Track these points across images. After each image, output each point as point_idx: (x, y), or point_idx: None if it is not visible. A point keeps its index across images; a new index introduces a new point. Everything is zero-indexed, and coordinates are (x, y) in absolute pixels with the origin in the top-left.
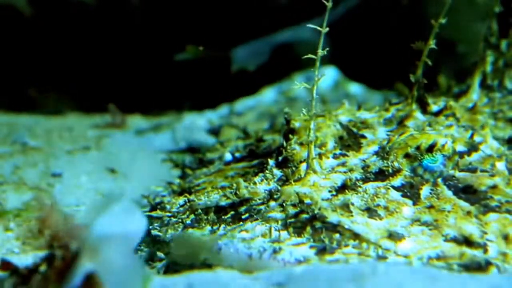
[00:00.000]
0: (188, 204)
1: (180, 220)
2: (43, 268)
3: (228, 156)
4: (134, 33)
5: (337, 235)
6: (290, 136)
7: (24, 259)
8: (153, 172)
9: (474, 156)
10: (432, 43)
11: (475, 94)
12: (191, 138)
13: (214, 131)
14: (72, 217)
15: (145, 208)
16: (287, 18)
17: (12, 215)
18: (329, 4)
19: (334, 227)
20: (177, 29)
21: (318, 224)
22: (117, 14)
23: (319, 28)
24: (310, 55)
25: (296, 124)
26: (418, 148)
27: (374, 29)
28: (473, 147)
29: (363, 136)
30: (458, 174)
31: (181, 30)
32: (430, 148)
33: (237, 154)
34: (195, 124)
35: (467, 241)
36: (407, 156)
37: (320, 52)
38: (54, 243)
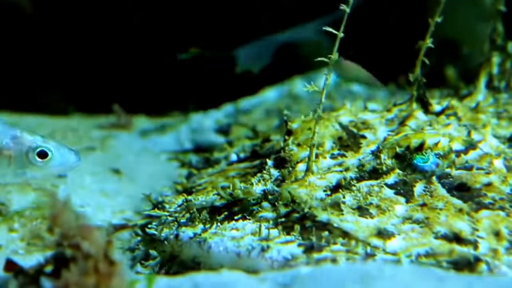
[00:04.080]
0: (185, 204)
1: (175, 219)
2: (49, 268)
3: (233, 157)
4: (138, 33)
5: (326, 233)
6: (286, 137)
7: (29, 259)
8: (158, 172)
9: (472, 154)
10: (428, 42)
11: (481, 95)
12: (199, 139)
13: (223, 130)
14: (84, 216)
15: (148, 207)
16: (290, 17)
17: (17, 216)
18: (347, 9)
19: (324, 226)
20: (181, 29)
21: (308, 223)
22: (121, 14)
23: (335, 32)
24: (322, 58)
25: (293, 125)
26: (407, 148)
27: (376, 29)
28: (471, 146)
29: (363, 137)
30: (454, 172)
31: (185, 30)
32: (420, 148)
33: (242, 155)
34: (203, 125)
35: (457, 238)
36: (396, 156)
37: (334, 57)
38: (64, 241)
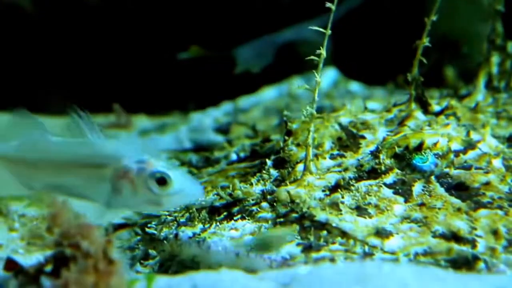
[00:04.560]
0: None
1: (174, 219)
2: (48, 267)
3: (233, 156)
4: (138, 33)
5: (324, 233)
6: (286, 137)
7: (29, 259)
8: None
9: (470, 154)
10: (425, 41)
11: (480, 95)
12: (199, 138)
13: (222, 130)
14: (83, 215)
15: None
16: (290, 16)
17: (17, 215)
18: (333, 7)
19: (323, 226)
20: (181, 29)
21: (306, 223)
22: (121, 14)
23: (322, 30)
24: (313, 57)
25: (293, 126)
26: (406, 147)
27: (375, 28)
28: (470, 145)
29: (363, 137)
30: (452, 172)
31: (184, 29)
32: (419, 147)
33: (241, 154)
34: (203, 124)
35: (455, 237)
36: (395, 156)
37: (323, 54)
38: (64, 241)
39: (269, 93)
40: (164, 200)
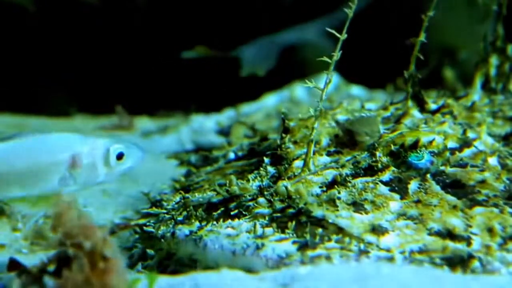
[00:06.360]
0: (182, 201)
1: (172, 217)
2: (51, 267)
3: (231, 155)
4: (140, 34)
5: (320, 230)
6: (283, 135)
7: (32, 258)
8: (159, 173)
9: (466, 152)
10: (422, 37)
11: (476, 95)
12: (199, 140)
13: (224, 132)
14: (88, 215)
15: (147, 205)
16: (291, 17)
17: (20, 215)
18: (350, 13)
19: (319, 222)
20: (183, 30)
21: (303, 219)
22: (123, 15)
23: (337, 34)
24: (325, 58)
25: (291, 123)
26: (402, 145)
27: (376, 32)
28: (465, 143)
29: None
30: (448, 169)
31: (187, 31)
32: (414, 145)
33: (240, 153)
34: (204, 126)
35: (450, 235)
36: (391, 154)
37: (337, 55)
38: (67, 241)
39: (270, 100)
40: (122, 170)
